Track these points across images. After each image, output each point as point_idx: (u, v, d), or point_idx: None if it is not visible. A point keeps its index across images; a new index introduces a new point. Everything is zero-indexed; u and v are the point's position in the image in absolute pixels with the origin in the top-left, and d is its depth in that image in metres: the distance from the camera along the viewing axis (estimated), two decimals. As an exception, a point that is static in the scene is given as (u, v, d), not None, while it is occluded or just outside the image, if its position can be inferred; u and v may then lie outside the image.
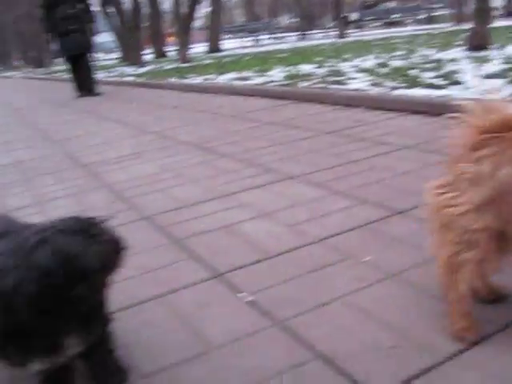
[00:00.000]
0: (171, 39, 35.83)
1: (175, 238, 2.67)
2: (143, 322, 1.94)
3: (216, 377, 1.57)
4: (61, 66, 39.72)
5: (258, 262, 2.30)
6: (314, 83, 7.40)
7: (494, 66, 6.57)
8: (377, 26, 31.77)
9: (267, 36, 33.69)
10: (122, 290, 2.18)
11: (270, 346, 1.68)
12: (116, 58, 31.72)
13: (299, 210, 2.85)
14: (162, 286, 2.18)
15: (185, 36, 19.78)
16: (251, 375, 1.55)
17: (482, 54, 8.13)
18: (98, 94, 11.63)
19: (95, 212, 3.25)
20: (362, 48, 13.74)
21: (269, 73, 9.70)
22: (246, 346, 1.71)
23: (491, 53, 8.11)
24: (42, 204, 3.63)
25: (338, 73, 8.15)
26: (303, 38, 31.73)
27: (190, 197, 3.28)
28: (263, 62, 12.94)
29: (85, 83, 11.74)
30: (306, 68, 9.63)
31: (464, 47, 9.10)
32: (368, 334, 1.67)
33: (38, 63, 49.69)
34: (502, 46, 8.79)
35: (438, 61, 7.97)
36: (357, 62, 9.74)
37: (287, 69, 9.95)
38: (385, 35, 19.84)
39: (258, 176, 3.55)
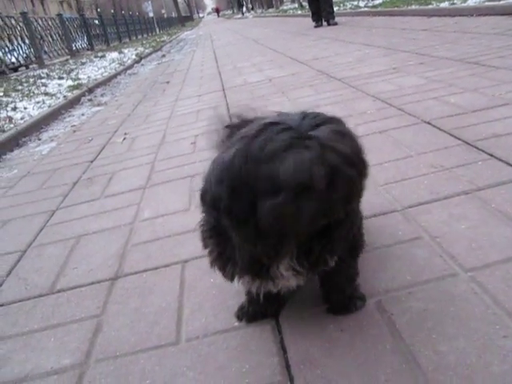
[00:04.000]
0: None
1: (466, 139, 2.38)
2: (454, 215, 1.72)
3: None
4: (291, 5, 40.70)
5: None
6: None
7: None
8: None
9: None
10: (419, 186, 2.00)
11: None
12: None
13: None
14: (464, 184, 1.94)
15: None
16: None
17: None
18: (335, 24, 11.46)
19: (366, 117, 3.11)
20: None
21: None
22: None
23: None
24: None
25: None
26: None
27: (472, 104, 2.93)
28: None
29: (323, 13, 11.65)
30: None
31: None
32: None
33: (269, 4, 51.22)
34: None
35: None
36: None
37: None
38: None
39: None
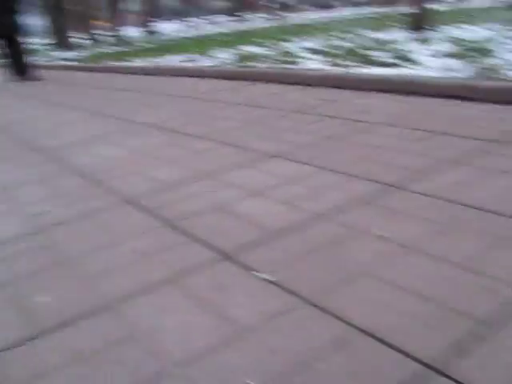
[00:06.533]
0: (101, 23, 35.26)
1: (168, 219, 2.53)
2: (160, 306, 1.81)
3: (260, 360, 1.47)
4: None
5: (267, 239, 2.20)
6: (268, 64, 7.33)
7: (440, 46, 6.72)
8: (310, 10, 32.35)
9: (203, 20, 33.57)
10: (125, 275, 2.05)
11: (307, 325, 1.60)
12: (47, 44, 29.34)
13: (293, 187, 2.78)
14: (168, 271, 2.05)
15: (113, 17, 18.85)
16: (299, 356, 1.46)
17: (424, 34, 8.31)
18: (37, 79, 11.03)
19: (70, 198, 3.07)
20: (302, 31, 13.78)
21: (217, 55, 9.56)
22: (281, 326, 1.61)
23: (433, 33, 8.32)
24: (8, 191, 3.38)
25: (289, 54, 8.11)
26: (241, 20, 31.79)
27: (172, 178, 3.14)
28: (206, 44, 12.69)
29: (18, 67, 11.15)
30: (254, 50, 9.54)
31: (405, 28, 9.34)
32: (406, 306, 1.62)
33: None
34: (442, 27, 9.10)
35: (385, 42, 8.06)
36: (305, 43, 9.70)
37: (234, 51, 9.80)
38: (322, 19, 20.10)
39: (237, 155, 3.47)
